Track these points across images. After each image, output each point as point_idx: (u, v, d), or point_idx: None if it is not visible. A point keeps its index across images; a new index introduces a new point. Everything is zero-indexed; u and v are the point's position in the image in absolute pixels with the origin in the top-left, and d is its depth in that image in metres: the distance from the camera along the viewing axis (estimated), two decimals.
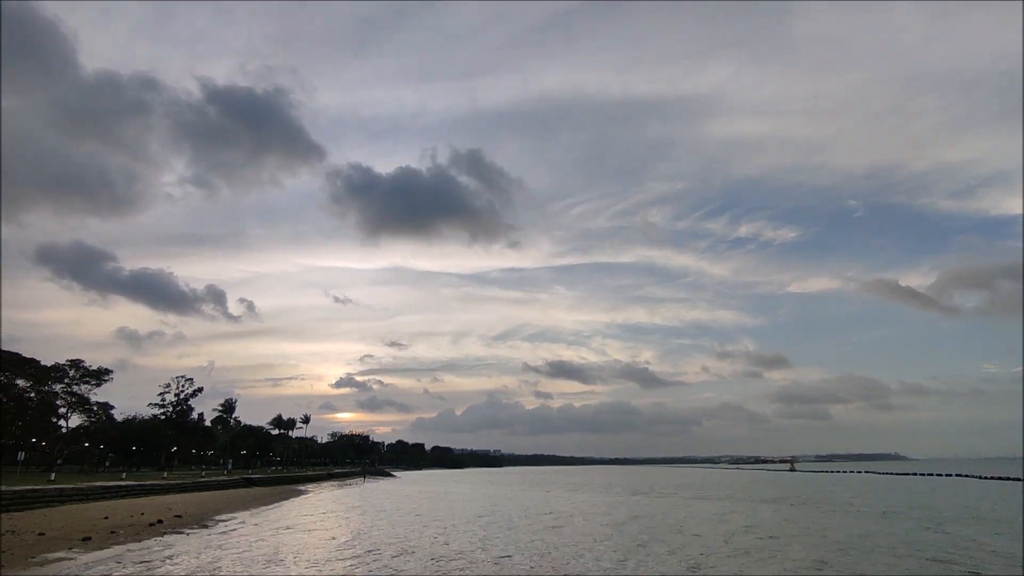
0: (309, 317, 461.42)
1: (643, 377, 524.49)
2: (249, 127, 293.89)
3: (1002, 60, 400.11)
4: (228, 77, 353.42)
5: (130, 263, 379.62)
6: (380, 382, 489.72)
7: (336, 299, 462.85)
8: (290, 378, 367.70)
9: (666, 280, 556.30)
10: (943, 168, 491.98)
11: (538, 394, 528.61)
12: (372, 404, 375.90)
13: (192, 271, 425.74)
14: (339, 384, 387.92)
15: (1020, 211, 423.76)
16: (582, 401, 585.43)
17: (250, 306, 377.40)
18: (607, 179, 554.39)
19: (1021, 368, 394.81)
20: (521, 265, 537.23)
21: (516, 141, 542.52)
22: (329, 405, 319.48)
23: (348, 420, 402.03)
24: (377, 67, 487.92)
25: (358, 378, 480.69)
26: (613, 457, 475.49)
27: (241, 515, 35.23)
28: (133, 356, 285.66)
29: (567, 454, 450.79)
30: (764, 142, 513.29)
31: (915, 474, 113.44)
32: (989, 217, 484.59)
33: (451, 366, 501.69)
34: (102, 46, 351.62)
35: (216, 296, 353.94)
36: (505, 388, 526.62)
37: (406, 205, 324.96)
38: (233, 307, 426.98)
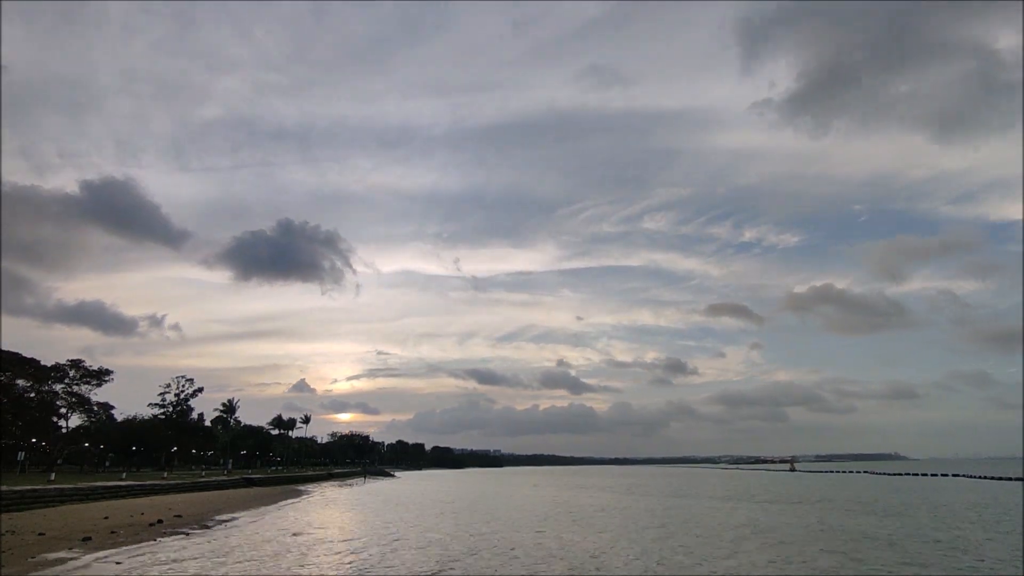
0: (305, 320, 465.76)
1: (647, 377, 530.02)
2: (116, 225, 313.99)
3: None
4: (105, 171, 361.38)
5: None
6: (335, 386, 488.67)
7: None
8: (262, 384, 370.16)
9: (672, 283, 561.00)
10: (943, 175, 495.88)
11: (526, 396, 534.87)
12: (340, 406, 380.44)
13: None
14: (293, 389, 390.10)
15: (1020, 217, 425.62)
16: (576, 402, 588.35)
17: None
18: (613, 186, 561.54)
19: (1021, 369, 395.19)
20: (528, 269, 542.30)
21: (526, 150, 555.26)
22: (291, 406, 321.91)
23: (339, 421, 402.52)
24: (391, 81, 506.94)
25: (348, 380, 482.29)
26: (613, 457, 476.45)
27: (241, 515, 35.19)
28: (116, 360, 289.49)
29: (567, 454, 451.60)
30: (766, 151, 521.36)
31: (915, 474, 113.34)
32: (989, 222, 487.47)
33: (455, 367, 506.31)
34: (126, 57, 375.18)
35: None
36: (493, 388, 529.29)
37: (258, 260, 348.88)
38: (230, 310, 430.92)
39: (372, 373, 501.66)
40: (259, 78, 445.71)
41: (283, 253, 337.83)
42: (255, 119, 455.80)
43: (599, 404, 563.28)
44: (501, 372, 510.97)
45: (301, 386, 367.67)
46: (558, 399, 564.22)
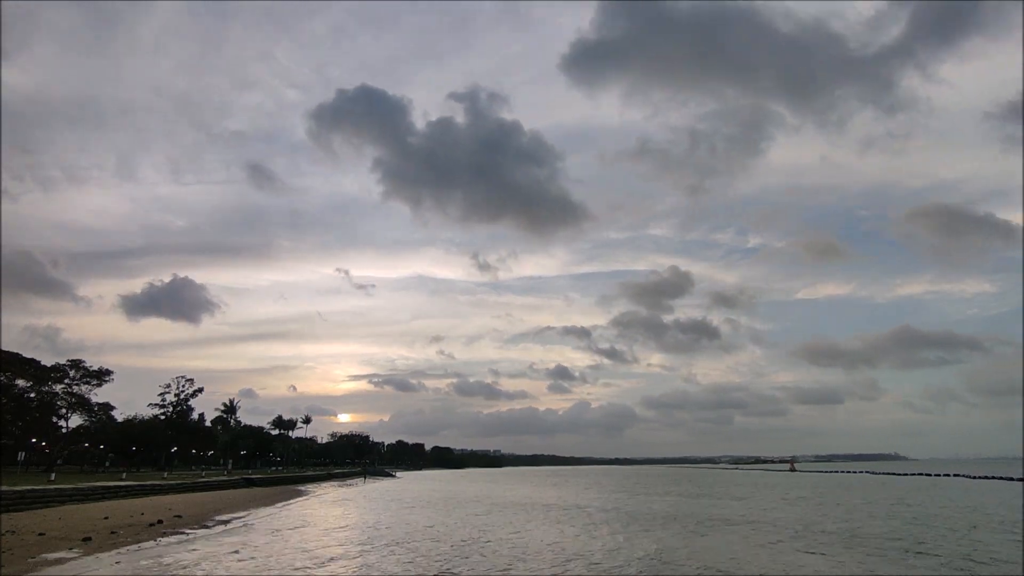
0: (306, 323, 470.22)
1: (651, 377, 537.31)
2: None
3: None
4: None
5: None
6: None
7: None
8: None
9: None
10: (941, 185, 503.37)
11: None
12: (341, 406, 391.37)
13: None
14: (294, 390, 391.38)
15: (1020, 223, 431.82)
16: (577, 402, 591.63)
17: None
18: (621, 195, 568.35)
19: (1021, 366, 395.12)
20: (538, 273, 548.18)
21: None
22: (291, 406, 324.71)
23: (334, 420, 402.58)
24: (407, 98, 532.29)
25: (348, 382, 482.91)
26: (613, 457, 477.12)
27: (242, 515, 35.17)
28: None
29: (567, 454, 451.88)
30: (768, 163, 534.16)
31: (915, 474, 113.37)
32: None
33: (462, 368, 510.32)
34: (156, 73, 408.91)
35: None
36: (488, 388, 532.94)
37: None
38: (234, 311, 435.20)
39: (375, 375, 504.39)
40: (279, 94, 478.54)
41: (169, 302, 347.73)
42: (275, 131, 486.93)
43: (600, 404, 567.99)
44: (506, 373, 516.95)
45: (302, 387, 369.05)
46: (559, 399, 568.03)
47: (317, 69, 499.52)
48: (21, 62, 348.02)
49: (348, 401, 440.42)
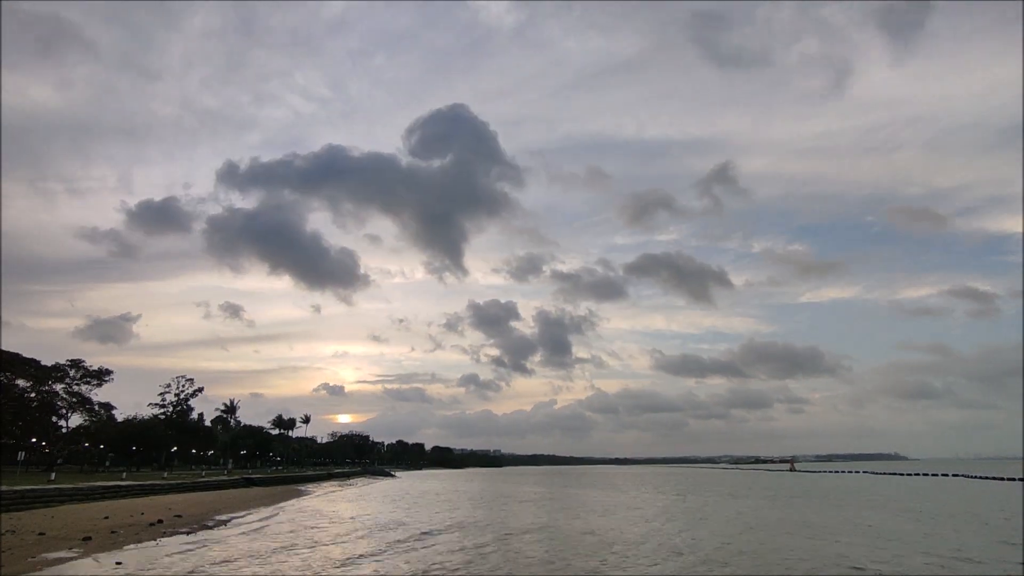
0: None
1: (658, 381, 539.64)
2: None
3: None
4: None
5: None
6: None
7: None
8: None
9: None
10: (938, 193, 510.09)
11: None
12: (341, 406, 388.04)
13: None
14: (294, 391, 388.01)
15: (1020, 230, 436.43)
16: (576, 402, 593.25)
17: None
18: (630, 205, 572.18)
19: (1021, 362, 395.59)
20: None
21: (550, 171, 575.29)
22: (292, 407, 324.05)
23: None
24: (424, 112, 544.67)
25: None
26: (614, 457, 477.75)
27: (242, 515, 35.19)
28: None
29: (566, 454, 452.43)
30: (772, 175, 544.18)
31: (915, 474, 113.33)
32: (991, 235, 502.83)
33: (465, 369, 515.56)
34: (184, 85, 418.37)
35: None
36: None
37: None
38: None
39: (375, 376, 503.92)
40: (299, 109, 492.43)
41: None
42: (294, 142, 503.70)
43: (598, 405, 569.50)
44: (419, 381, 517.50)
45: (302, 387, 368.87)
46: (559, 400, 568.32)
47: (334, 87, 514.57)
48: (53, 80, 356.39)
49: (311, 405, 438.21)
